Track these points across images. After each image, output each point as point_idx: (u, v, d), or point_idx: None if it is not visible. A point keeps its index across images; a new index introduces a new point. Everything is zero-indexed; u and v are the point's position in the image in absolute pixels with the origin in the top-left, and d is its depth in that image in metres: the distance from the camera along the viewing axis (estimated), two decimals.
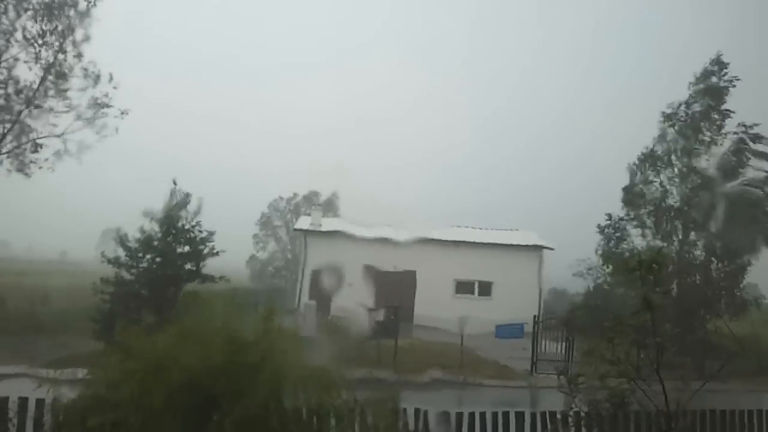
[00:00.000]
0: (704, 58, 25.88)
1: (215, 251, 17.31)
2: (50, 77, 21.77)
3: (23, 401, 5.79)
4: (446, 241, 35.39)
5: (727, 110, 25.25)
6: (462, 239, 35.90)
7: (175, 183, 17.16)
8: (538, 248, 35.60)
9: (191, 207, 17.23)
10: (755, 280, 27.29)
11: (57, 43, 21.70)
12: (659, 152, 26.17)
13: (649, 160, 26.18)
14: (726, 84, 25.29)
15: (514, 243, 36.00)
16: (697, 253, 25.66)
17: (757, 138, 24.66)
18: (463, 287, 35.23)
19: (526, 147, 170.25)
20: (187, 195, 17.20)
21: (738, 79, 25.17)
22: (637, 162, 26.53)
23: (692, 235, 25.66)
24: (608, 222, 26.52)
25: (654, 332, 6.31)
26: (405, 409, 5.88)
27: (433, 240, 35.07)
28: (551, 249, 35.42)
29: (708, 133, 25.43)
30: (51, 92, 21.93)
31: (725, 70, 25.29)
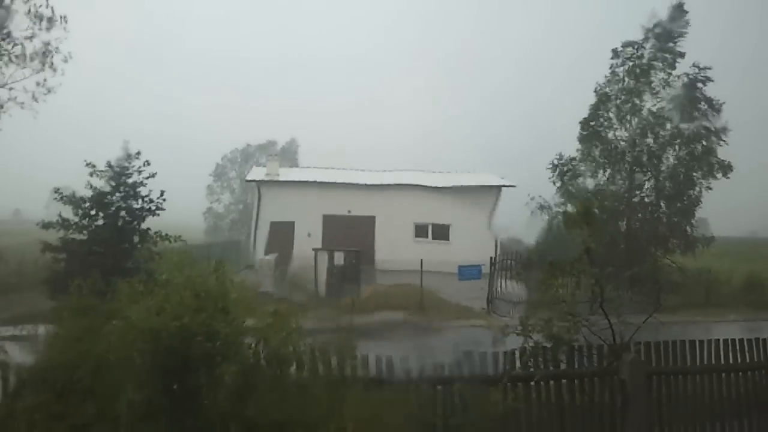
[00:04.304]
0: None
1: (160, 208, 16.80)
2: None
3: None
4: (405, 185, 35.47)
5: (680, 51, 25.68)
6: (420, 183, 36.02)
7: (127, 142, 16.59)
8: (496, 188, 35.98)
9: (138, 163, 16.71)
10: (705, 215, 28.41)
11: None
12: (610, 93, 26.56)
13: (603, 100, 26.57)
14: (681, 29, 25.71)
15: (472, 184, 36.30)
16: (647, 191, 26.37)
17: (707, 80, 25.29)
18: (422, 230, 35.50)
19: (495, 94, 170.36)
20: (137, 153, 16.68)
21: (689, 26, 25.70)
22: (595, 102, 26.93)
23: (642, 175, 26.33)
24: (560, 160, 27.10)
25: (593, 275, 6.56)
26: (367, 355, 5.96)
27: (392, 185, 35.14)
28: (513, 186, 35.74)
29: (660, 74, 25.87)
30: None
31: (684, 18, 25.73)
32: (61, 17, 21.28)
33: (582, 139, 26.64)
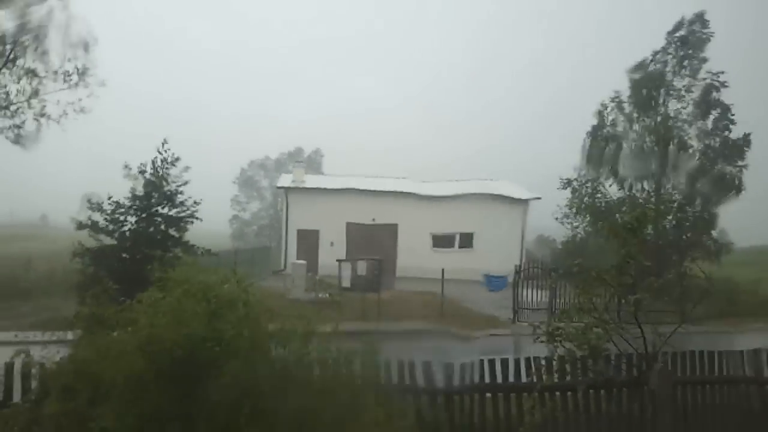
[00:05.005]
0: (680, 6, 26.24)
1: (195, 217, 16.71)
2: (27, 38, 20.78)
3: (9, 366, 5.69)
4: (428, 195, 35.40)
5: (703, 57, 25.44)
6: (444, 192, 35.93)
7: (165, 142, 16.46)
8: (522, 200, 35.76)
9: (175, 171, 16.65)
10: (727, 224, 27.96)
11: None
12: (624, 100, 26.61)
13: (619, 106, 26.50)
14: (705, 36, 25.45)
15: (496, 194, 36.03)
16: (674, 197, 26.06)
17: (722, 85, 25.16)
18: (445, 239, 35.35)
19: (506, 97, 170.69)
20: (176, 159, 16.61)
21: (713, 35, 25.58)
22: (602, 109, 26.93)
23: (664, 183, 26.06)
24: (575, 177, 27.01)
25: (634, 285, 6.53)
26: (390, 361, 5.94)
27: (414, 194, 35.11)
28: (538, 198, 35.54)
29: (684, 81, 25.66)
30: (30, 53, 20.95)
31: (706, 29, 25.61)
32: (92, 40, 21.52)
33: (591, 150, 26.49)
